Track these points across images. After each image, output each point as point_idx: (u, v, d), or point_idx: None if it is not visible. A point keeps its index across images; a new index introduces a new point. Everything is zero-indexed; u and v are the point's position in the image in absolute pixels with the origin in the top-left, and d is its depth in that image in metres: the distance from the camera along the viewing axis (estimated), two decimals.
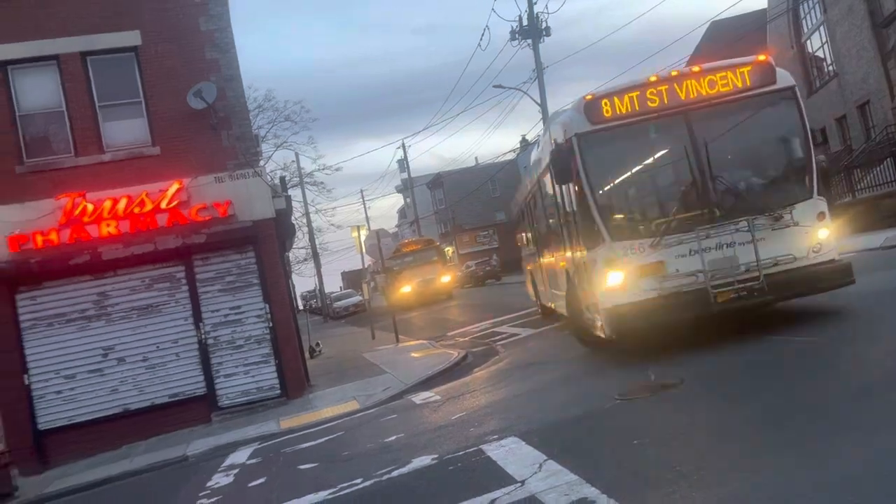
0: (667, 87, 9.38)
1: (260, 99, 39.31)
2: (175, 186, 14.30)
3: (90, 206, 13.93)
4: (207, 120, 14.64)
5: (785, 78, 9.53)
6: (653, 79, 9.49)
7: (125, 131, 14.74)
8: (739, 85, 9.34)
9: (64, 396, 13.99)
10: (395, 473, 7.03)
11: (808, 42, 33.79)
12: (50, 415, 13.90)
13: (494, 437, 7.39)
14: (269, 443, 11.21)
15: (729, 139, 9.55)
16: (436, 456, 7.29)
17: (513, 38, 29.43)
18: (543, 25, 28.95)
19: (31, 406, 13.80)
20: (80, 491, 11.33)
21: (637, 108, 9.36)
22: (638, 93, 9.39)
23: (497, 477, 5.99)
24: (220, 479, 9.19)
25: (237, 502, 7.86)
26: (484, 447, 7.06)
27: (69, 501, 11.04)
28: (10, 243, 13.66)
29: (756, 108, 9.49)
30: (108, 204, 14.00)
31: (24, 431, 13.51)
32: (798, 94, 9.59)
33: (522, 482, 5.69)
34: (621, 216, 9.65)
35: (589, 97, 9.56)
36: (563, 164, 9.63)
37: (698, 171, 9.27)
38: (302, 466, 8.80)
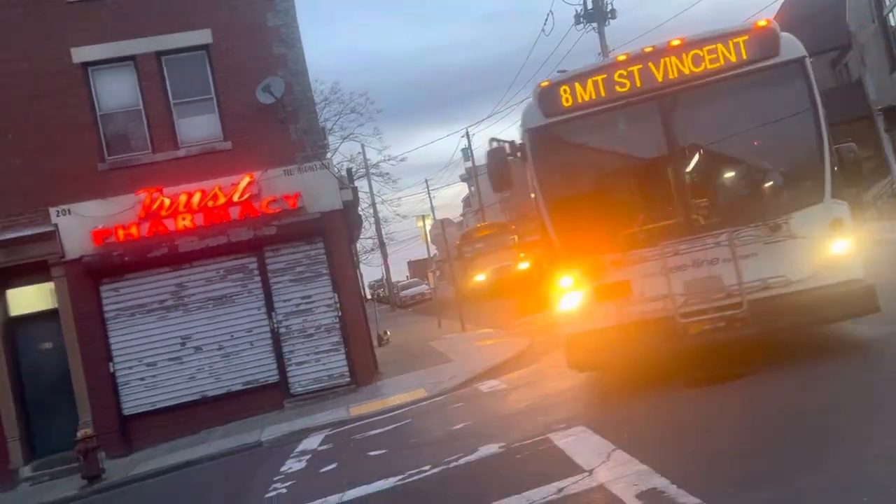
0: (640, 66, 7.78)
1: (326, 92, 39.82)
2: (246, 180, 14.70)
3: (167, 201, 14.47)
4: (276, 114, 14.97)
5: (791, 47, 7.60)
6: (621, 58, 7.94)
7: (198, 127, 15.23)
8: (733, 59, 7.57)
9: (146, 383, 14.62)
10: (462, 461, 7.10)
11: (891, 15, 32.11)
12: (134, 400, 14.55)
13: (562, 425, 7.37)
14: (340, 429, 11.46)
15: (716, 128, 8.01)
16: (503, 444, 7.31)
17: (577, 23, 28.92)
18: (608, 8, 28.37)
19: (117, 392, 14.48)
20: (163, 473, 11.85)
21: (603, 95, 7.83)
22: (604, 76, 7.86)
23: (565, 466, 5.98)
24: (293, 465, 9.46)
25: (309, 487, 8.08)
26: (551, 436, 7.05)
27: (153, 483, 11.56)
28: (94, 237, 14.32)
29: (752, 88, 7.71)
30: (183, 198, 14.51)
31: (110, 416, 14.20)
32: (808, 67, 7.61)
33: (591, 471, 5.66)
34: (580, 226, 8.07)
35: (545, 84, 8.17)
36: (495, 167, 8.34)
37: (674, 171, 7.74)
38: (371, 453, 8.97)
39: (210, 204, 14.58)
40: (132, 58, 14.93)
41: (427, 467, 7.19)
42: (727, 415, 6.51)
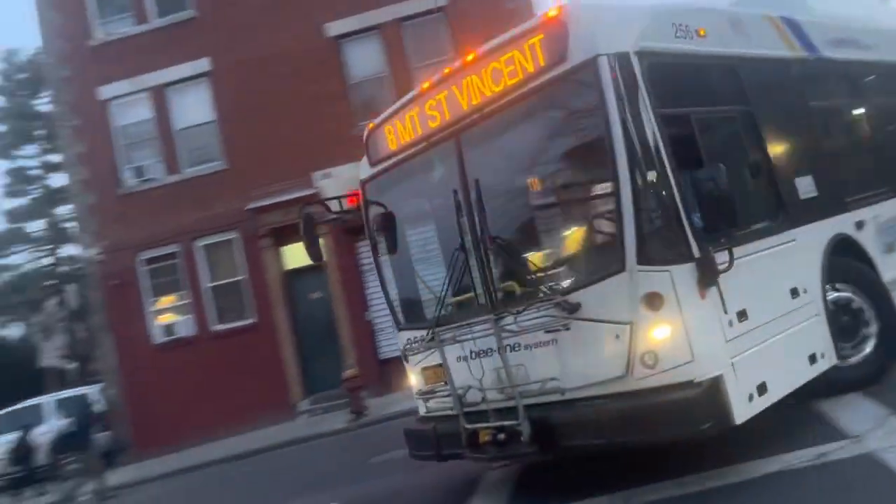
0: (445, 93, 5.98)
1: None
2: None
3: None
4: None
5: (584, 45, 4.98)
6: (426, 85, 6.24)
7: None
8: (530, 69, 5.31)
9: None
10: None
11: None
12: (387, 346, 15.90)
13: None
14: None
15: (507, 171, 6.03)
16: None
17: None
18: None
19: (373, 338, 15.93)
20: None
21: (420, 132, 6.19)
22: (417, 109, 6.21)
23: (828, 430, 5.48)
24: None
25: None
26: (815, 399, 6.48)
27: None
28: (348, 199, 15.69)
29: (543, 110, 5.47)
30: None
31: (370, 360, 15.69)
32: (605, 71, 4.86)
33: (858, 437, 5.14)
34: (404, 295, 6.94)
35: (371, 125, 6.79)
36: (304, 234, 6.93)
37: (469, 229, 5.73)
38: None
39: None
40: (376, 27, 15.95)
41: None
42: None
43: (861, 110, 7.67)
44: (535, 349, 5.33)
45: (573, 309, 5.01)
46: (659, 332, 4.78)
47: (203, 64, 17.08)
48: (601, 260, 5.12)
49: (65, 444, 14.52)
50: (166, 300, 17.37)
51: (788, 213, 5.84)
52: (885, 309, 6.29)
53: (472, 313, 5.66)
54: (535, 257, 5.85)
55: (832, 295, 6.07)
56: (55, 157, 32.96)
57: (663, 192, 4.81)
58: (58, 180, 34.28)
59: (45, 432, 17.21)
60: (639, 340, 4.83)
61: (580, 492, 5.51)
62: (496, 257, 5.63)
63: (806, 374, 5.48)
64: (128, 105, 17.56)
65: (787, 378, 5.31)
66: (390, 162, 6.56)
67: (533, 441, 5.15)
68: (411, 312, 6.80)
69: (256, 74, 16.37)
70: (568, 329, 5.10)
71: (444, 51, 15.81)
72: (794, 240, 5.74)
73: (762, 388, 4.98)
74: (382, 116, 6.69)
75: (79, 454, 13.77)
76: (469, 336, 5.54)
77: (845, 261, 6.26)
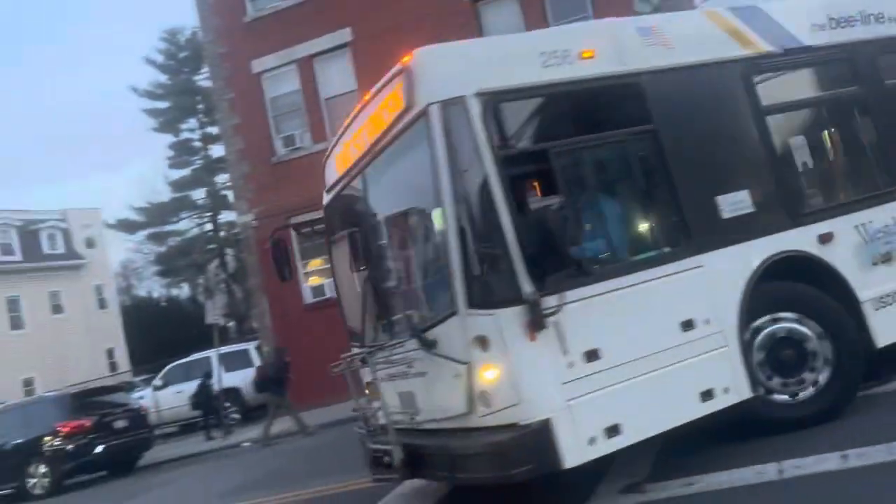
0: (361, 128, 5.96)
1: None
2: None
3: None
4: None
5: (423, 93, 4.94)
6: (348, 120, 6.18)
7: None
8: (400, 110, 5.25)
9: None
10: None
11: None
12: None
13: None
14: None
15: (389, 207, 6.00)
16: None
17: None
18: None
19: None
20: None
21: (350, 163, 6.23)
22: (348, 141, 6.21)
23: None
24: None
25: None
26: None
27: None
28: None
29: (398, 156, 5.49)
30: None
31: None
32: (438, 120, 4.81)
33: None
34: (347, 313, 6.96)
35: (326, 154, 6.79)
36: (275, 256, 7.05)
37: (373, 259, 6.08)
38: None
39: None
40: None
41: None
42: None
43: (848, 101, 6.42)
44: (416, 379, 5.40)
45: (431, 345, 5.03)
46: (489, 374, 4.75)
47: (345, 34, 17.55)
48: (444, 301, 5.03)
49: (262, 387, 15.81)
50: (315, 263, 18.25)
51: (694, 238, 5.24)
52: (840, 340, 5.49)
53: (376, 341, 5.94)
54: (405, 294, 5.97)
55: (778, 325, 5.44)
56: (214, 130, 35.36)
57: (492, 237, 4.71)
58: (217, 151, 36.83)
59: (216, 382, 18.78)
60: (475, 380, 4.81)
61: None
62: (381, 291, 5.92)
63: (693, 411, 4.99)
64: (278, 77, 18.42)
65: (659, 417, 4.89)
66: (336, 189, 6.66)
67: (403, 465, 5.22)
68: (351, 330, 7.02)
69: (395, 42, 16.51)
70: (411, 367, 5.29)
71: (585, 8, 15.34)
72: (700, 266, 5.17)
73: (613, 430, 4.70)
74: (331, 144, 6.80)
75: (276, 397, 14.99)
76: (379, 361, 5.63)
77: (793, 286, 5.56)
